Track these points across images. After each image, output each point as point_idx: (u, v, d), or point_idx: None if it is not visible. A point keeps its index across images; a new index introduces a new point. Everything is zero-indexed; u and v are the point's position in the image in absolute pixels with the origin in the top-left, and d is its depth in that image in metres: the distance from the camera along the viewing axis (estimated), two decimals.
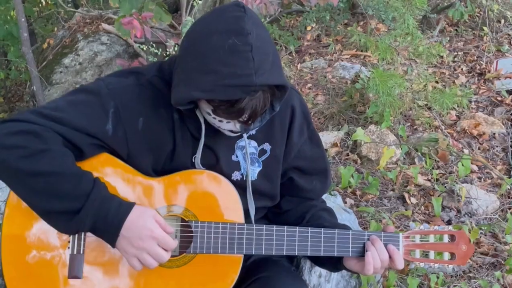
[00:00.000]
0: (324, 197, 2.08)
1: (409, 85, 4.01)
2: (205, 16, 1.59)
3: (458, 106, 4.15)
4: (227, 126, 1.63)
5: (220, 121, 1.61)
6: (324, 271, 2.34)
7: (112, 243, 1.58)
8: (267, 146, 1.83)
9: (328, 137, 3.78)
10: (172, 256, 1.66)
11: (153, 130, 1.69)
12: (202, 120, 1.69)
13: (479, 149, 3.89)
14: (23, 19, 4.74)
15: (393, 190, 3.39)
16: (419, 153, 3.61)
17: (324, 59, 5.45)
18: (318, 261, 1.94)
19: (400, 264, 1.72)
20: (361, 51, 5.43)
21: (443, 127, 4.03)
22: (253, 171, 1.82)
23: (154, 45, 4.50)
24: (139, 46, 4.96)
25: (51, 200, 1.53)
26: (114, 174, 1.67)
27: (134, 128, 1.67)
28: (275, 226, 1.72)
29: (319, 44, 5.95)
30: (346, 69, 5.09)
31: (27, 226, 1.65)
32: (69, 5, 8.74)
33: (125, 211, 1.56)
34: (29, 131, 1.54)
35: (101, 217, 1.54)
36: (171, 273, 1.69)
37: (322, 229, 1.74)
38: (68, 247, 1.65)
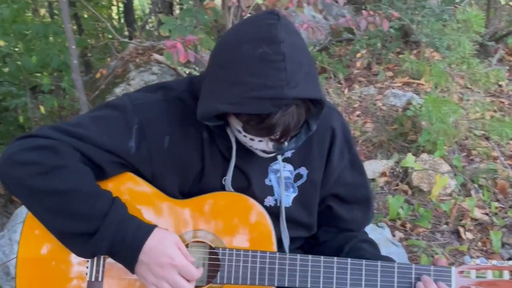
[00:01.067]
0: (370, 228, 1.90)
1: (464, 113, 3.78)
2: (238, 25, 1.48)
3: None
4: (259, 145, 1.49)
5: (251, 139, 1.48)
6: None
7: (131, 269, 1.46)
8: (303, 171, 1.68)
9: (377, 166, 3.59)
10: (198, 286, 1.52)
11: (180, 149, 1.57)
12: (233, 139, 1.56)
13: None
14: (73, 46, 4.79)
15: (446, 223, 3.15)
16: (476, 185, 3.36)
17: (374, 86, 5.27)
18: None
19: None
20: (414, 79, 5.23)
21: (502, 158, 3.76)
22: (287, 197, 1.67)
23: (197, 68, 4.46)
24: (185, 71, 4.94)
25: (66, 221, 1.43)
26: (136, 195, 1.56)
27: (160, 146, 1.56)
28: (310, 256, 1.56)
29: (369, 72, 5.78)
30: (397, 97, 4.89)
31: (43, 249, 1.55)
32: (123, 37, 8.95)
33: (145, 235, 1.44)
34: (45, 146, 1.45)
35: (118, 240, 1.43)
36: None
37: (364, 260, 1.56)
38: (86, 273, 1.54)
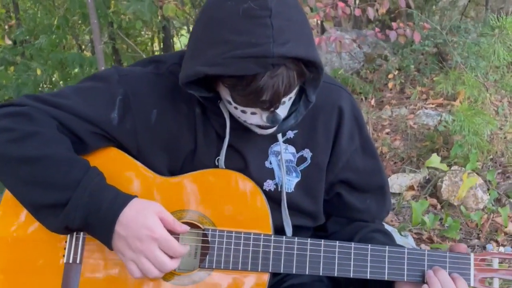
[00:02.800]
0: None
1: (500, 126, 3.56)
2: None
3: None
4: (253, 119, 1.36)
5: (243, 112, 1.35)
6: None
7: (108, 244, 1.32)
8: (307, 153, 1.53)
9: (404, 180, 3.39)
10: (186, 272, 1.39)
11: (169, 125, 1.46)
12: (226, 115, 1.44)
13: None
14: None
15: (478, 238, 2.90)
16: (511, 200, 3.12)
17: (406, 107, 5.08)
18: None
19: None
20: (448, 100, 5.02)
21: None
22: (289, 182, 1.52)
23: None
24: None
25: (37, 191, 1.32)
26: (120, 171, 1.44)
27: (146, 121, 1.45)
28: (309, 239, 1.40)
29: (402, 95, 5.60)
30: (429, 116, 4.69)
31: (19, 227, 1.43)
32: None
33: (122, 204, 1.31)
34: (20, 113, 1.36)
35: (92, 211, 1.30)
36: None
37: (369, 245, 1.40)
38: (64, 255, 1.42)
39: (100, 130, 1.42)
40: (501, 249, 1.39)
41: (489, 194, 3.14)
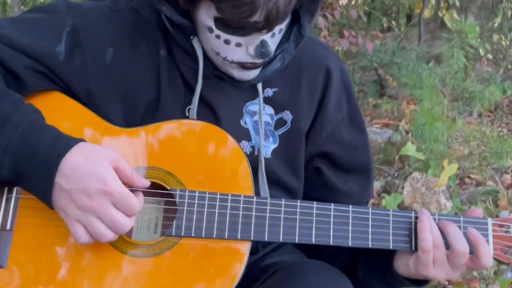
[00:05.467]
0: None
1: (458, 133, 3.48)
2: None
3: None
4: (236, 54, 1.14)
5: (226, 42, 1.12)
6: None
7: (47, 200, 1.04)
8: (287, 116, 1.30)
9: None
10: (146, 242, 1.11)
11: (127, 69, 1.21)
12: (200, 55, 1.20)
13: None
14: None
15: None
16: (474, 208, 3.01)
17: None
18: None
19: (486, 260, 1.12)
20: (394, 120, 4.95)
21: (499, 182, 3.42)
22: (265, 148, 1.28)
23: None
24: None
25: None
26: (64, 120, 1.15)
27: (99, 60, 1.19)
28: (299, 201, 1.16)
29: None
30: (378, 134, 4.57)
31: None
32: None
33: (64, 148, 1.03)
34: None
35: (26, 156, 1.02)
36: (141, 265, 1.11)
37: (370, 208, 1.18)
38: None
39: (41, 66, 1.15)
40: None
41: (452, 201, 3.02)
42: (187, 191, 1.14)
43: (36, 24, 1.19)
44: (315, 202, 1.16)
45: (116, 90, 1.20)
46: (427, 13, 5.79)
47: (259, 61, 1.16)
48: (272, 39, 1.14)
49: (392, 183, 3.26)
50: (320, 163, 1.35)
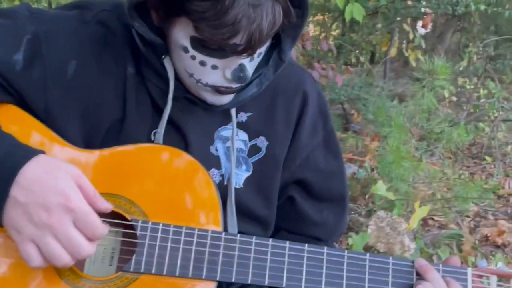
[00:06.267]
0: None
1: (424, 174, 3.47)
2: None
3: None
4: (212, 76, 1.06)
5: (201, 63, 1.04)
6: None
7: None
8: (262, 142, 1.23)
9: None
10: (101, 278, 1.01)
11: (91, 85, 1.11)
12: (171, 75, 1.11)
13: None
14: None
15: None
16: (439, 251, 2.97)
17: None
18: None
19: None
20: (358, 156, 4.95)
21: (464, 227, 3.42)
22: (237, 176, 1.20)
23: None
24: None
25: None
26: (18, 135, 1.03)
27: (60, 72, 1.09)
28: (271, 240, 1.08)
29: None
30: None
31: None
32: None
33: (22, 158, 0.93)
34: None
35: None
36: None
37: (346, 251, 1.10)
38: None
39: None
40: (500, 265, 1.14)
41: (416, 243, 2.97)
42: (150, 223, 1.04)
43: None
44: (287, 242, 1.07)
45: (77, 106, 1.10)
46: (393, 52, 5.86)
47: (235, 85, 1.08)
48: (251, 63, 1.07)
49: (356, 220, 3.21)
50: (294, 191, 1.29)
